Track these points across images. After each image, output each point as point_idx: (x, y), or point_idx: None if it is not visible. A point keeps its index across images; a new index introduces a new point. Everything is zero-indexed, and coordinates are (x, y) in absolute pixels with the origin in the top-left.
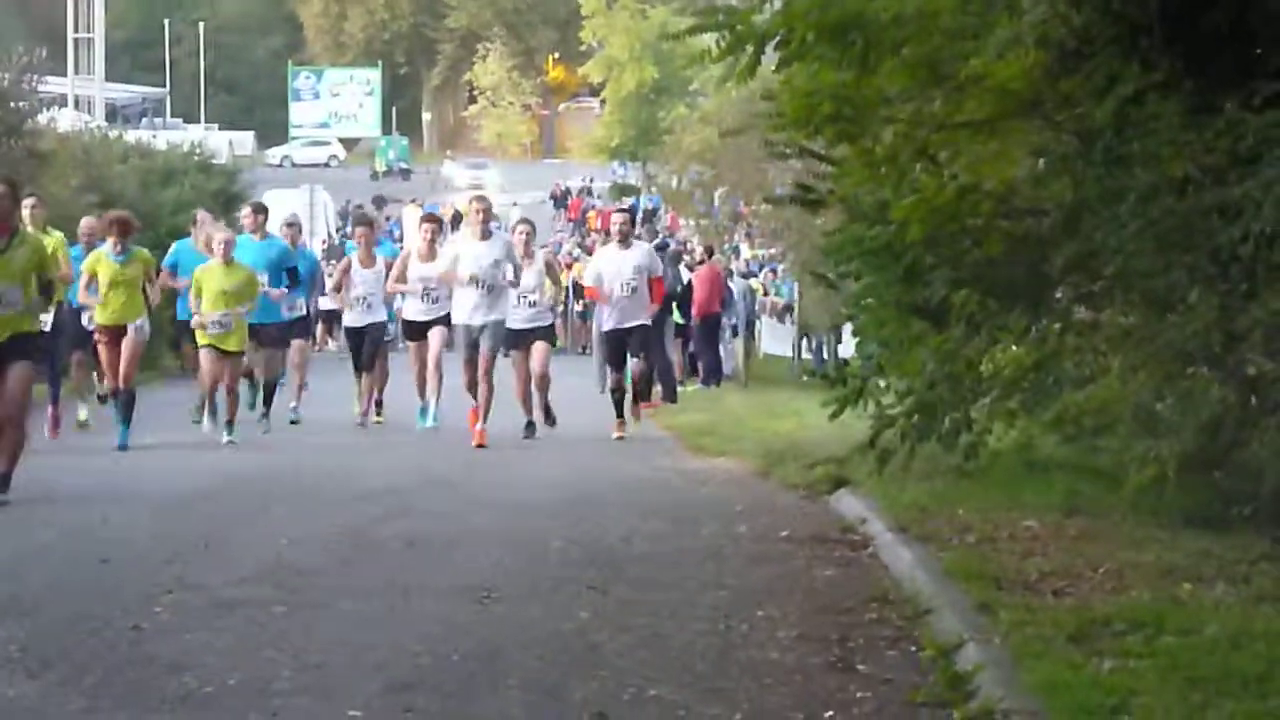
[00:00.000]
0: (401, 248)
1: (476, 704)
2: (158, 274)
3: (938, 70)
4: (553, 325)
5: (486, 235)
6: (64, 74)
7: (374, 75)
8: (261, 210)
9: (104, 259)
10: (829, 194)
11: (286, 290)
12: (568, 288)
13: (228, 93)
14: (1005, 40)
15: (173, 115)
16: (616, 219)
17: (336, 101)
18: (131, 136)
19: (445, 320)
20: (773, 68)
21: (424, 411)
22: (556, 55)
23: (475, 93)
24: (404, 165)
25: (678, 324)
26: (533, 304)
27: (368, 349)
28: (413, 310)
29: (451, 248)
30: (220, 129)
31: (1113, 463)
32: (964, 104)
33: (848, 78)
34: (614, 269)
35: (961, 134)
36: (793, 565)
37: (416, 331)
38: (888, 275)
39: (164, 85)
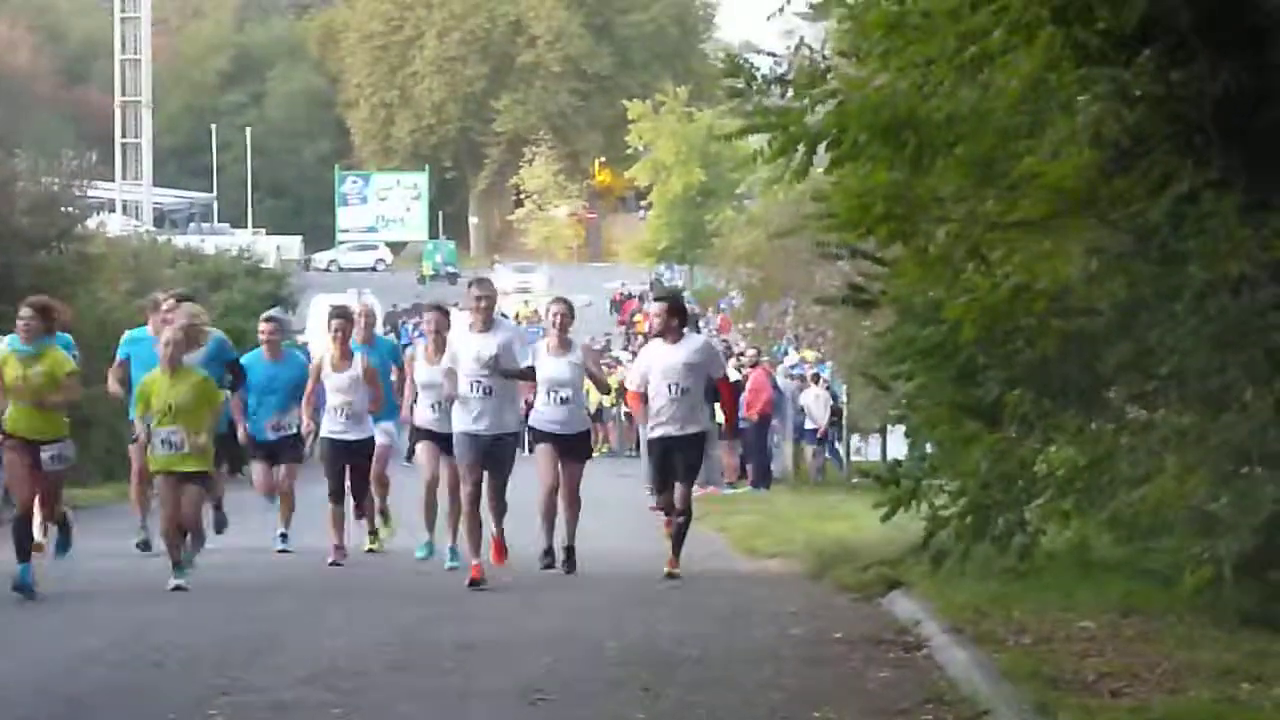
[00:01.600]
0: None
1: None
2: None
3: (991, 169)
4: (589, 433)
5: (487, 326)
6: (112, 179)
7: (421, 180)
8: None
9: (7, 354)
10: (880, 294)
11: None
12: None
13: (275, 197)
14: (1059, 139)
15: (220, 220)
16: (656, 308)
17: (384, 206)
18: (180, 241)
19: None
20: (822, 169)
21: (452, 550)
22: (603, 159)
23: (522, 196)
24: (451, 269)
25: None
26: (564, 400)
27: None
28: (423, 419)
29: (450, 347)
30: (268, 234)
31: (1169, 563)
32: (1018, 203)
33: (900, 177)
34: (662, 366)
35: (1015, 233)
36: (848, 667)
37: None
38: (940, 375)
39: (211, 190)
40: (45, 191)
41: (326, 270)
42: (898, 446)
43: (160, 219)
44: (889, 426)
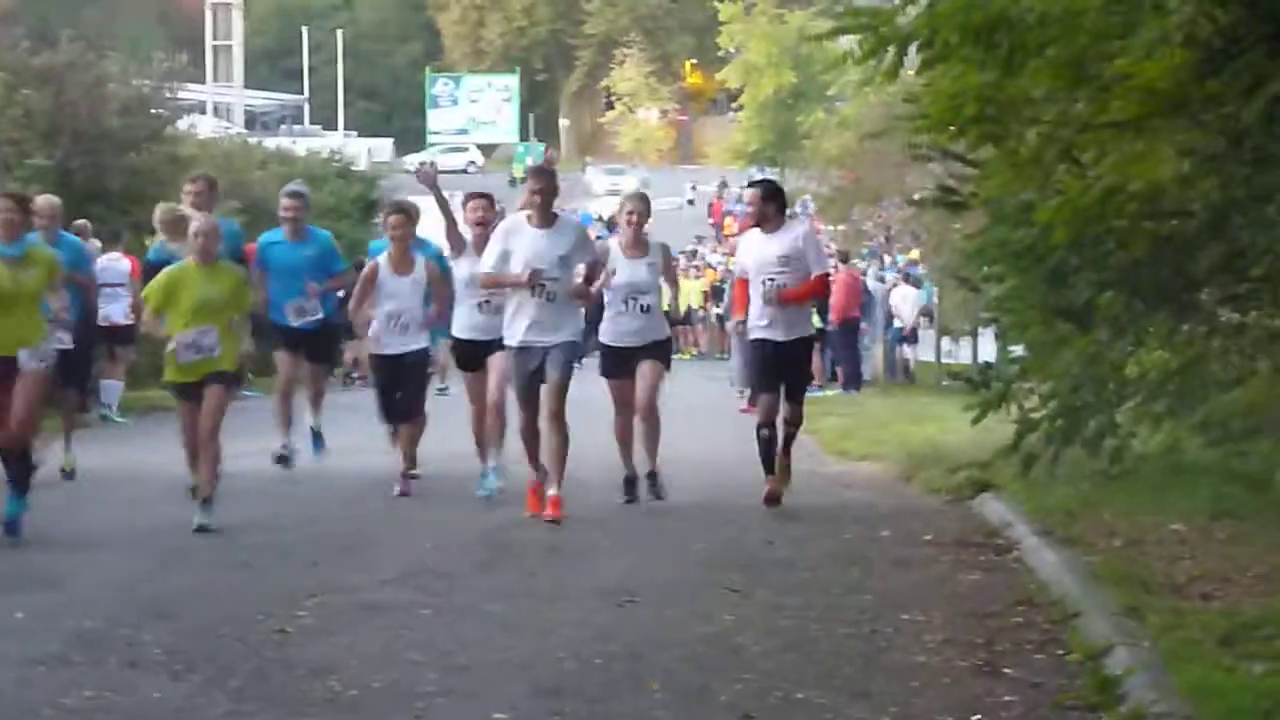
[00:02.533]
0: None
1: (621, 707)
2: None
3: (1083, 71)
4: (669, 341)
5: (548, 221)
6: (203, 81)
7: (512, 81)
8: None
9: None
10: (971, 196)
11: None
12: (708, 290)
13: (366, 100)
14: (1151, 40)
15: (311, 122)
16: (750, 195)
17: (475, 108)
18: (270, 143)
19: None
20: (913, 70)
21: (483, 476)
22: (694, 61)
23: (613, 98)
24: None
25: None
26: (644, 308)
27: (407, 386)
28: (464, 325)
29: (497, 241)
30: (359, 136)
31: (1260, 466)
32: (1109, 105)
33: (992, 79)
34: (757, 259)
35: (1107, 135)
36: (937, 569)
37: (470, 357)
38: (1032, 278)
39: (302, 93)
40: (136, 93)
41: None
42: (988, 349)
43: (251, 121)
44: (980, 329)
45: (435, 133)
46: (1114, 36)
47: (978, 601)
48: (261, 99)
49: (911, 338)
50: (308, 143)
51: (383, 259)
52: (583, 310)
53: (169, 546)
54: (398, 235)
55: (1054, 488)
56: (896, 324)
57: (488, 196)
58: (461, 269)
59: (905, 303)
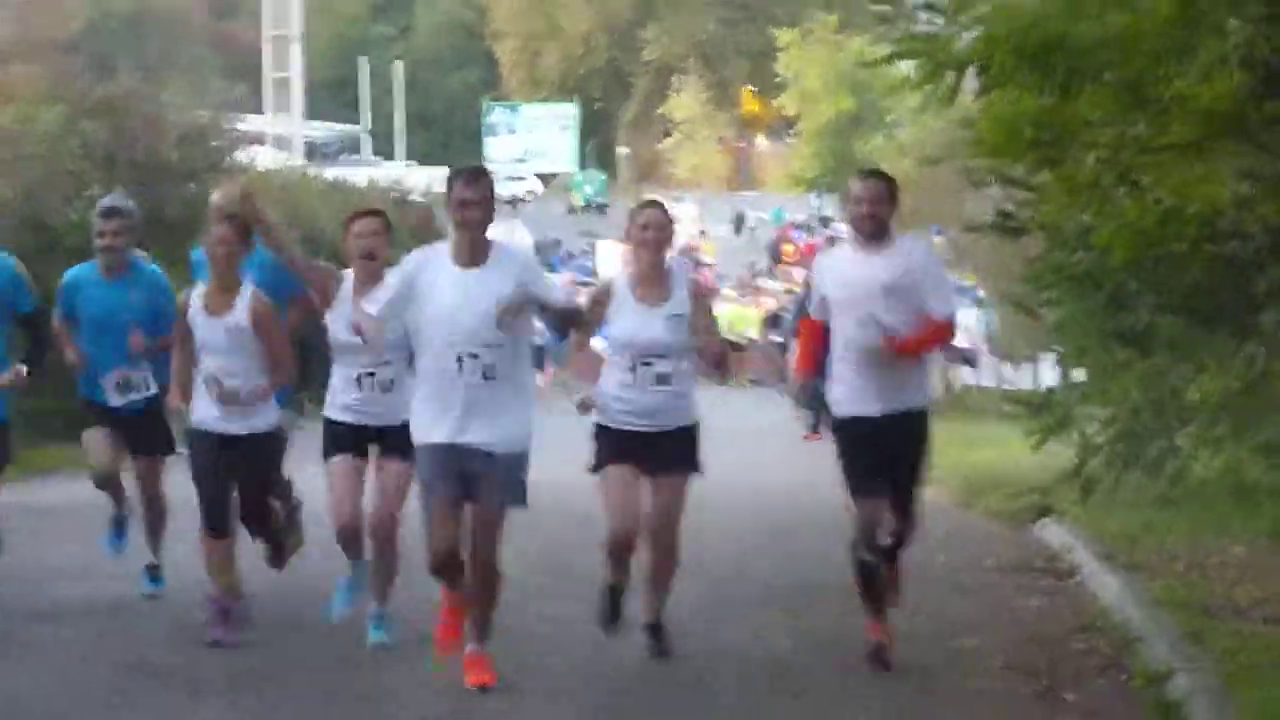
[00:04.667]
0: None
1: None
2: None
3: (1141, 93)
4: (695, 431)
5: (479, 255)
6: (262, 112)
7: (570, 110)
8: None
9: None
10: (1029, 221)
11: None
12: (766, 318)
13: (424, 129)
14: (1209, 61)
15: (372, 153)
16: (858, 188)
17: (532, 136)
18: (329, 173)
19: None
20: (971, 95)
21: (376, 621)
22: (752, 87)
23: (670, 126)
24: (600, 200)
25: None
26: (661, 378)
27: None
28: (339, 402)
29: (398, 277)
30: (417, 164)
31: None
32: (1167, 127)
33: (1049, 103)
34: (848, 288)
35: (1165, 157)
36: (998, 594)
37: (343, 442)
38: (1090, 302)
39: (360, 122)
40: (194, 124)
41: None
42: (1048, 374)
43: (311, 152)
44: (1039, 354)
45: (492, 161)
46: (1171, 59)
47: (1039, 627)
48: (320, 130)
49: (971, 362)
50: (366, 172)
51: (196, 293)
52: (533, 384)
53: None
54: (217, 251)
55: (1115, 512)
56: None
57: (379, 215)
58: (338, 321)
59: (963, 328)
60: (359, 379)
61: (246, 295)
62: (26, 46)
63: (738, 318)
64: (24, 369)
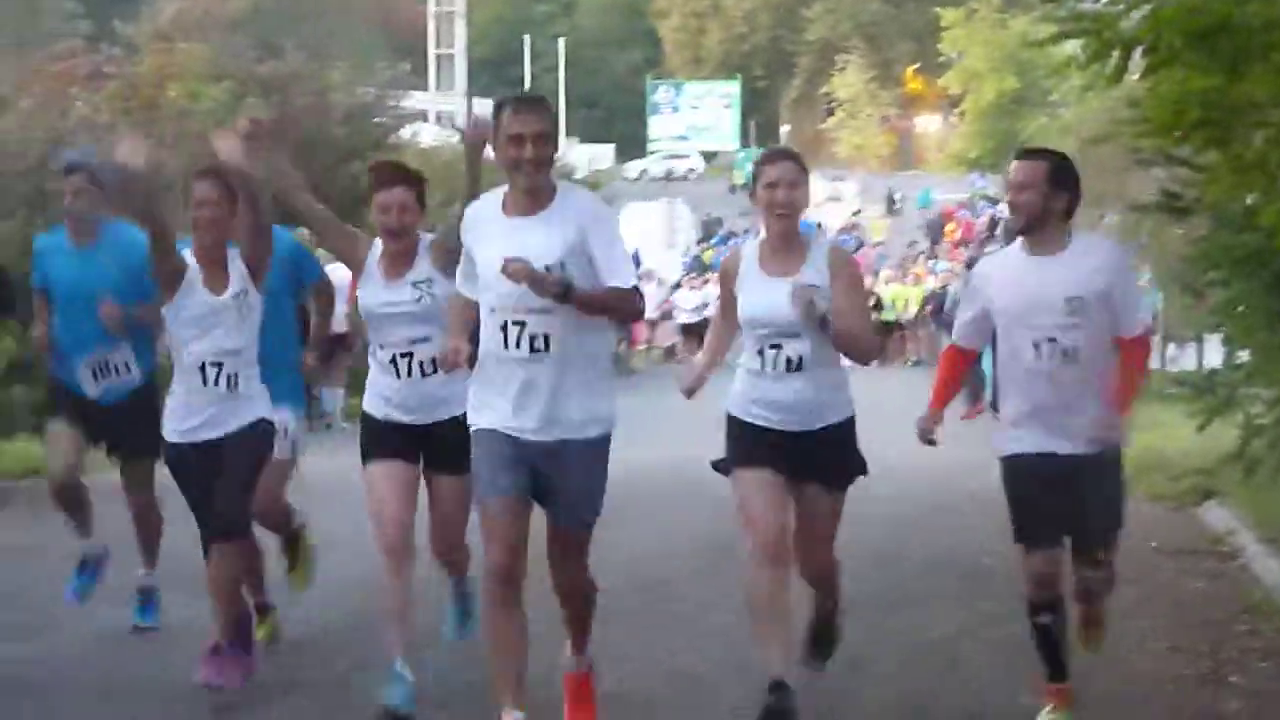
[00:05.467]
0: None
1: (848, 712)
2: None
3: None
4: (851, 426)
5: (538, 202)
6: (425, 89)
7: (733, 88)
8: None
9: None
10: (1195, 201)
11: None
12: (930, 295)
13: (587, 107)
14: None
15: None
16: (1019, 171)
17: (695, 115)
18: (490, 151)
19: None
20: (1136, 75)
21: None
22: (915, 66)
23: (833, 104)
24: None
25: None
26: (795, 364)
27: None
28: (376, 392)
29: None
30: (580, 142)
31: None
32: None
33: (1216, 83)
34: (1019, 301)
35: None
36: (1161, 577)
37: (381, 443)
38: (1256, 283)
39: None
40: (358, 102)
41: (637, 179)
42: (1213, 355)
43: None
44: (1204, 335)
45: (655, 139)
46: None
47: (1202, 609)
48: (483, 107)
49: None
50: None
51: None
52: (607, 354)
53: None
54: (199, 217)
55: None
56: None
57: (406, 181)
58: (371, 293)
59: None
60: (394, 360)
61: (234, 263)
62: (193, 24)
63: (898, 297)
64: None
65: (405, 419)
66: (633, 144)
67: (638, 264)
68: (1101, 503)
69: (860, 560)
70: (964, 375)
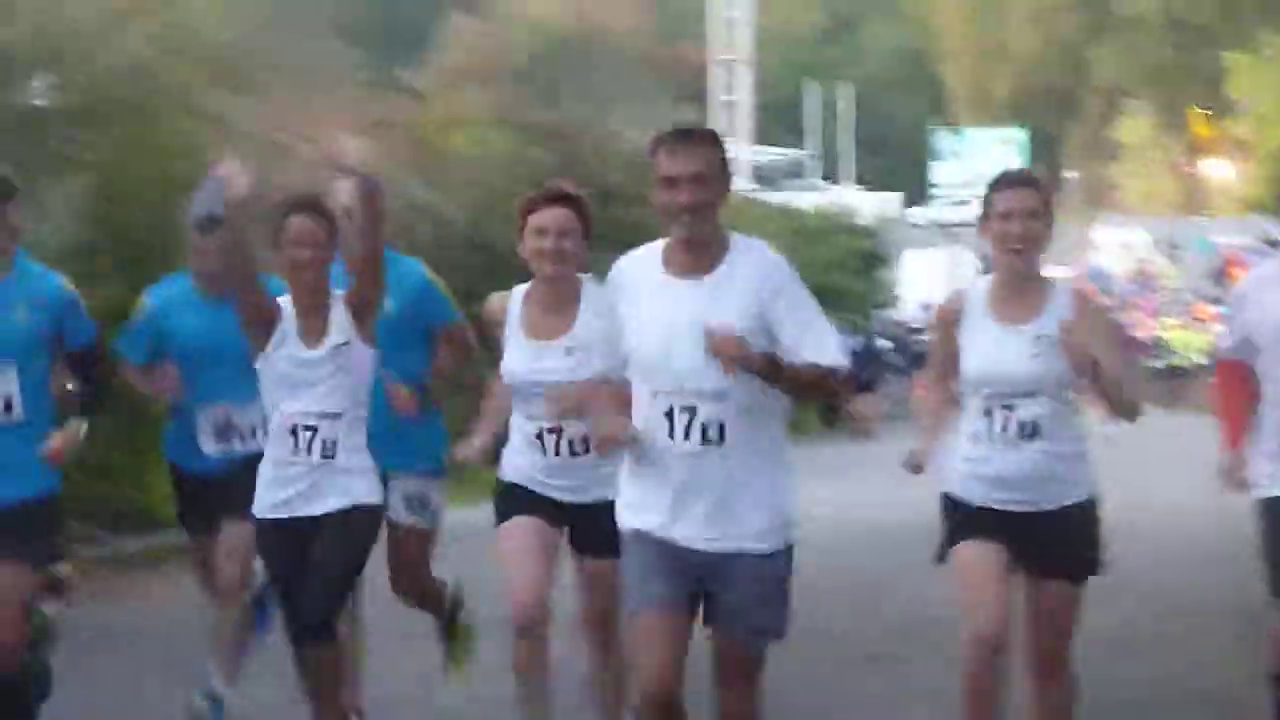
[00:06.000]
0: None
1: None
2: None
3: None
4: (1091, 511)
5: (700, 261)
6: None
7: (1017, 134)
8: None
9: None
10: None
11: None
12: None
13: (872, 154)
14: None
15: (817, 177)
16: None
17: (978, 161)
18: (776, 198)
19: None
20: None
21: None
22: (1204, 110)
23: (1119, 150)
24: None
25: None
26: (1029, 431)
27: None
28: (516, 463)
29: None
30: (867, 189)
31: None
32: None
33: None
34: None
35: None
36: None
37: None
38: None
39: (807, 147)
40: (641, 149)
41: (922, 226)
42: None
43: (758, 176)
44: None
45: (937, 185)
46: None
47: None
48: (767, 154)
49: None
50: (813, 197)
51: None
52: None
53: None
54: (297, 257)
55: None
56: None
57: (569, 201)
58: (516, 356)
59: None
60: (539, 436)
61: (337, 313)
62: (477, 73)
63: (1182, 343)
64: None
65: (552, 496)
66: (919, 190)
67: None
68: None
69: (1143, 597)
70: (1249, 404)
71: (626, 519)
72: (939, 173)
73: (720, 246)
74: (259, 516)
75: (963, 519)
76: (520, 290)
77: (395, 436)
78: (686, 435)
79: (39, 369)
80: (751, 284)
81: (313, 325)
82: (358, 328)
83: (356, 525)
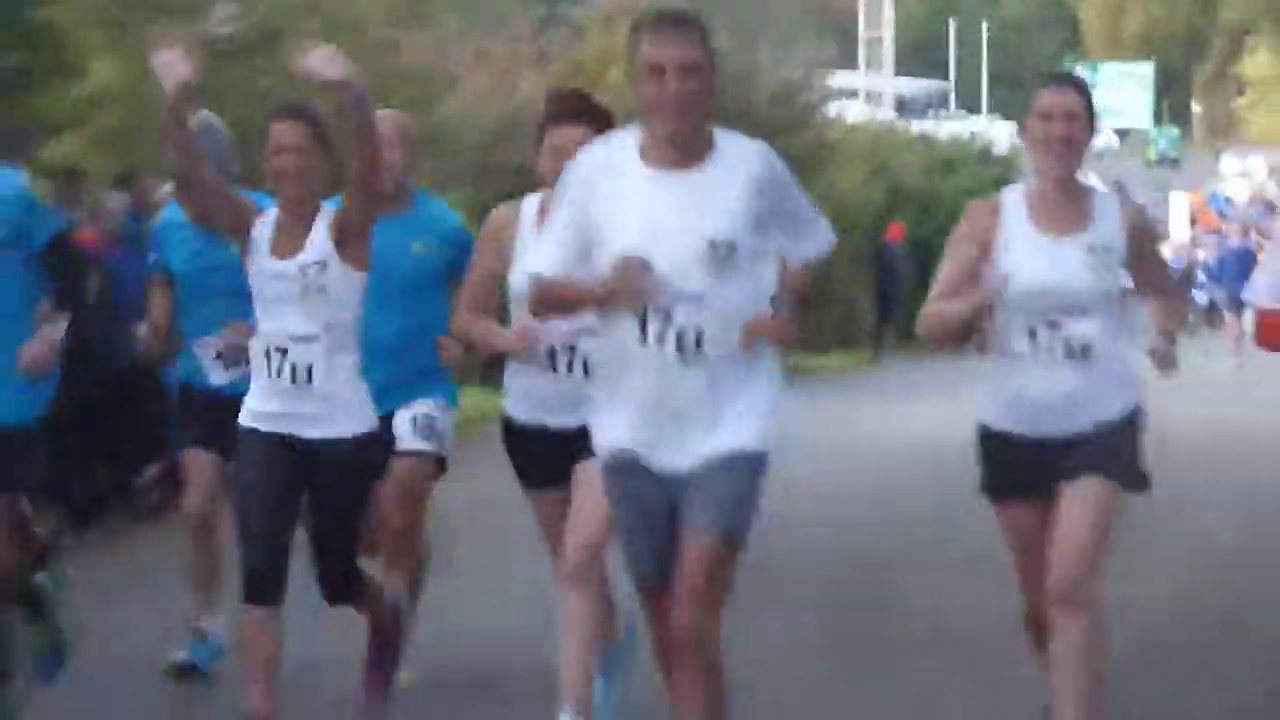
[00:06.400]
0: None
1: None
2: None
3: None
4: (1134, 427)
5: (686, 152)
6: (855, 69)
7: (1147, 69)
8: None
9: None
10: None
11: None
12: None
13: (1009, 87)
14: None
15: (956, 108)
16: None
17: (1110, 94)
18: (917, 127)
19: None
20: None
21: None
22: None
23: (1244, 85)
24: (1173, 155)
25: None
26: (1078, 349)
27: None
28: (520, 393)
29: (565, 201)
30: (1000, 118)
31: None
32: None
33: None
34: None
35: None
36: None
37: (535, 461)
38: None
39: (948, 79)
40: (785, 82)
41: None
42: None
43: (900, 107)
44: None
45: None
46: None
47: None
48: (910, 86)
49: None
50: (951, 126)
51: (265, 222)
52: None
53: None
54: (277, 165)
55: None
56: None
57: (592, 115)
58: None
59: None
60: (552, 355)
61: (321, 225)
62: (634, 8)
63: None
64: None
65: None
66: None
67: None
68: None
69: (1240, 510)
70: None
71: (599, 440)
72: None
73: (706, 139)
74: (241, 424)
75: (1004, 462)
76: (533, 200)
77: (408, 386)
78: (661, 341)
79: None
80: (744, 177)
81: (291, 240)
82: (340, 248)
83: (347, 470)
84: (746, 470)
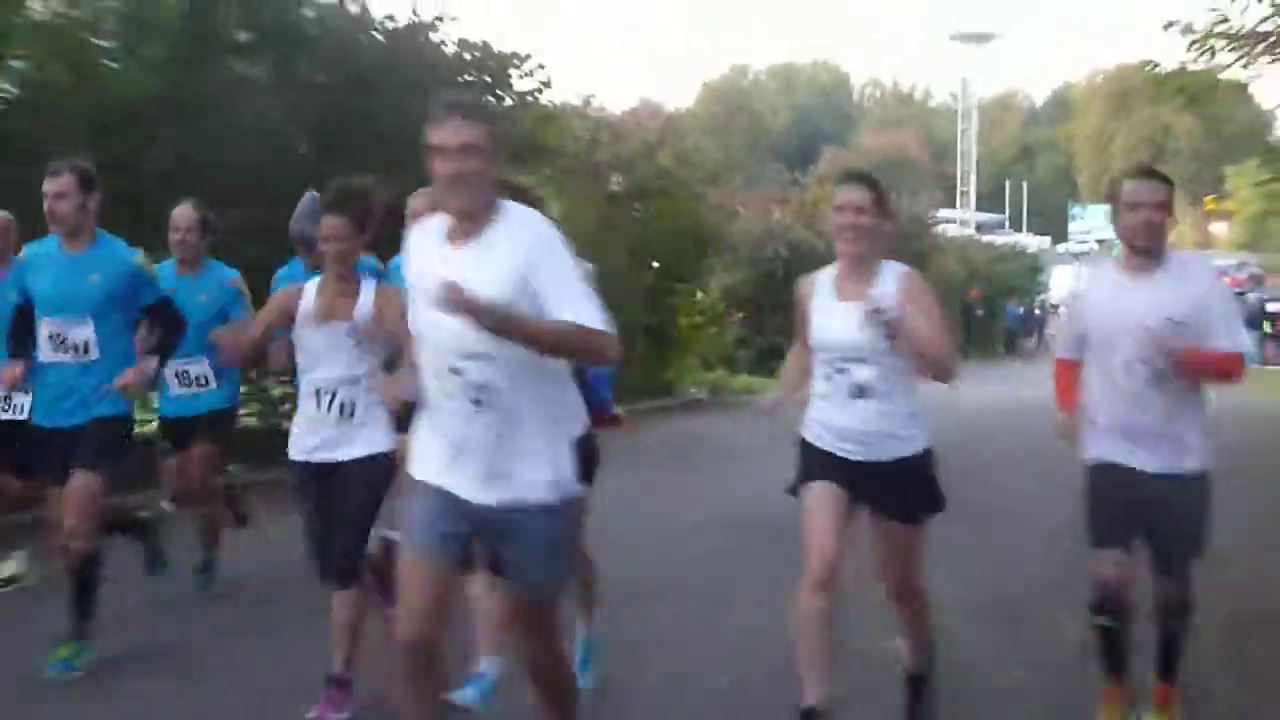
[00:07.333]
0: None
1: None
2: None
3: None
4: (926, 460)
5: (469, 228)
6: (954, 207)
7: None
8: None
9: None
10: None
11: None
12: None
13: (1039, 216)
14: None
15: (1009, 228)
16: (1130, 191)
17: (1093, 222)
18: (985, 239)
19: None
20: None
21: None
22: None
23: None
24: None
25: None
26: (859, 388)
27: (342, 514)
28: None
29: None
30: (1034, 235)
31: None
32: None
33: None
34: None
35: None
36: None
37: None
38: None
39: (1004, 213)
40: (915, 212)
41: (1062, 254)
42: None
43: (978, 227)
44: None
45: (1071, 234)
46: None
47: None
48: (983, 216)
49: None
50: (1005, 238)
51: (306, 295)
52: (570, 411)
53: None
54: (327, 250)
55: None
56: None
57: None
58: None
59: None
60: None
61: (366, 292)
62: (832, 174)
63: None
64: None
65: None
66: (1062, 235)
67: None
68: (1187, 510)
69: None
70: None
71: (411, 469)
72: (1072, 227)
73: (490, 214)
74: (293, 459)
75: (811, 462)
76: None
77: None
78: (460, 395)
79: (113, 322)
80: (515, 248)
81: (341, 304)
82: (378, 324)
83: (372, 471)
84: (554, 525)
